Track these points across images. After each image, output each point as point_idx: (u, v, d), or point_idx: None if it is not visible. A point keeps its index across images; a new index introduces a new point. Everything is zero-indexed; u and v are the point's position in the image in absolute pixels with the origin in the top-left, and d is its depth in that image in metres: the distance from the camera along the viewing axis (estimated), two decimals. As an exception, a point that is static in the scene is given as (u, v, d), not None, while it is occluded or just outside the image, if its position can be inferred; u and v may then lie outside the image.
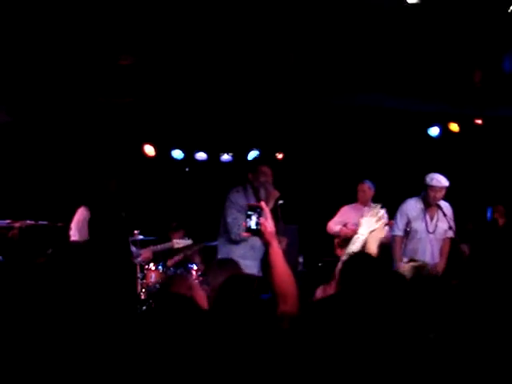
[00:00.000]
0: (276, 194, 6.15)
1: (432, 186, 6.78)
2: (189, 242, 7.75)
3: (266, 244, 2.95)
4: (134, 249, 7.01)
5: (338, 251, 7.76)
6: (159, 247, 7.44)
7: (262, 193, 6.20)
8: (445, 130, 8.47)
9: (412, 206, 6.96)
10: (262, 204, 3.02)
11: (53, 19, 5.43)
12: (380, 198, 7.92)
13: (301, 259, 8.55)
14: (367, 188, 7.87)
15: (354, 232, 7.43)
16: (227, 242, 6.27)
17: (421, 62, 6.30)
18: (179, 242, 7.59)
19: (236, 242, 6.17)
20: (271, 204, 6.00)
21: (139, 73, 6.62)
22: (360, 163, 8.99)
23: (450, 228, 6.83)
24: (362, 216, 4.48)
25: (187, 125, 8.24)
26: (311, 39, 6.08)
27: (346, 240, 7.59)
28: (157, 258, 7.61)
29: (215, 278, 3.80)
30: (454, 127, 8.39)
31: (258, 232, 2.95)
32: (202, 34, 5.87)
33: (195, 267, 7.91)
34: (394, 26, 5.48)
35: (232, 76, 6.95)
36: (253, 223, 2.97)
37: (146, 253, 7.11)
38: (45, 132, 7.74)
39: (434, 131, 8.56)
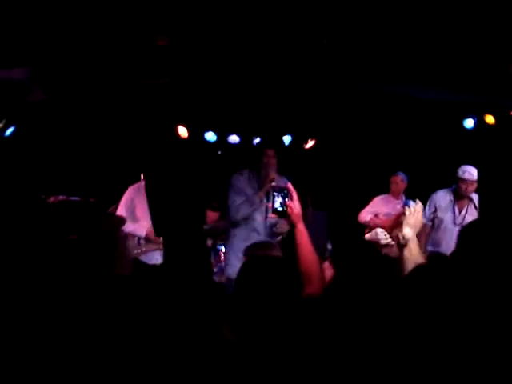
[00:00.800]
0: (272, 175, 6.10)
1: (464, 179, 6.74)
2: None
3: (292, 225, 2.98)
4: None
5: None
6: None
7: (262, 174, 6.21)
8: (480, 121, 8.36)
9: (442, 197, 6.96)
10: (289, 185, 3.05)
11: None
12: (413, 190, 7.91)
13: (329, 246, 8.55)
14: (400, 180, 7.90)
15: (385, 222, 7.52)
16: (231, 225, 6.35)
17: (457, 52, 6.22)
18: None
19: (237, 225, 6.23)
20: (266, 185, 6.02)
21: (176, 54, 6.65)
22: (393, 153, 8.93)
23: None
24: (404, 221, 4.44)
25: (221, 107, 8.27)
26: (347, 26, 6.04)
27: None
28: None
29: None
30: (489, 119, 8.28)
31: (283, 213, 2.99)
32: (237, 18, 5.87)
33: (223, 249, 7.97)
34: (430, 15, 5.42)
35: (267, 60, 6.94)
36: (278, 204, 2.99)
37: None
38: (79, 110, 7.84)
39: (468, 123, 8.46)
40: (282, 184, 6.22)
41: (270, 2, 5.66)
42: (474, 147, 8.64)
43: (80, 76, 6.91)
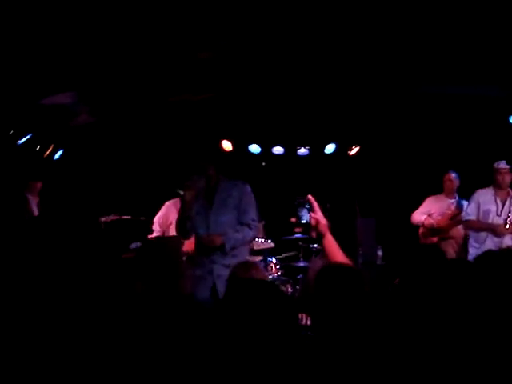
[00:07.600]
0: (190, 184, 5.43)
1: (498, 169, 7.04)
2: (271, 244, 7.70)
3: (320, 236, 2.91)
4: None
5: (423, 240, 7.76)
6: None
7: None
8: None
9: (482, 193, 7.16)
10: (310, 197, 2.98)
11: (130, 15, 5.51)
12: (462, 189, 7.83)
13: (380, 252, 8.49)
14: (453, 178, 7.94)
15: (439, 222, 7.52)
16: None
17: (501, 47, 6.15)
18: (260, 244, 7.54)
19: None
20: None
21: (218, 67, 6.69)
22: (439, 154, 8.83)
23: None
24: None
25: (264, 119, 8.28)
26: (389, 31, 6.01)
27: (432, 230, 7.63)
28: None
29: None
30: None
31: (308, 226, 2.94)
32: (280, 28, 5.88)
33: (274, 261, 7.90)
34: (475, 11, 5.37)
35: (308, 70, 6.95)
36: (303, 218, 2.95)
37: None
38: (126, 130, 7.94)
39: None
40: (246, 191, 5.65)
41: (310, 12, 5.66)
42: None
43: (126, 96, 7.00)
